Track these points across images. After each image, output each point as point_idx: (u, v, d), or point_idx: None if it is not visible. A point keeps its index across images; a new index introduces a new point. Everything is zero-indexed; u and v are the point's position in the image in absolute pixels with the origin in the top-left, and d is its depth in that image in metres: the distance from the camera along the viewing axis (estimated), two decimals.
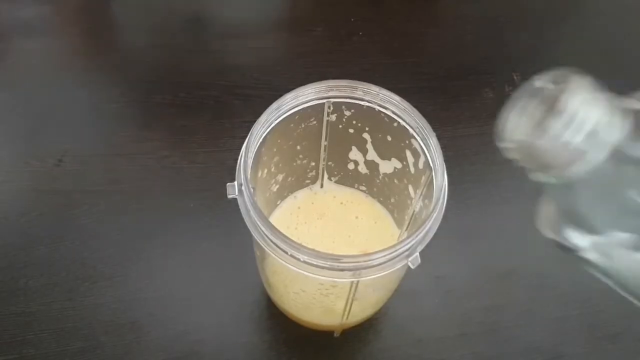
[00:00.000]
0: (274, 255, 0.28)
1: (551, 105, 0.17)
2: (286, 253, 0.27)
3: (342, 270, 0.27)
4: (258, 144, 0.31)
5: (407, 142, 0.33)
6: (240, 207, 0.28)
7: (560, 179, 0.18)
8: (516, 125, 0.18)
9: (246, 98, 0.50)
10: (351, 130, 0.35)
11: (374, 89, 0.32)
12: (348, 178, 0.39)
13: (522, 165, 0.19)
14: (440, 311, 0.40)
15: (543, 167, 0.18)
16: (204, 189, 0.44)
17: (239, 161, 0.29)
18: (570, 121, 0.17)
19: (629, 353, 0.40)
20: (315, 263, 0.27)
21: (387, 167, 0.37)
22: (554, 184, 0.19)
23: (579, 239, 0.19)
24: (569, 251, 0.20)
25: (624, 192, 0.18)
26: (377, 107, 0.32)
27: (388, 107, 0.32)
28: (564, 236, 0.20)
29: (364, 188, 0.40)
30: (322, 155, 0.38)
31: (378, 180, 0.38)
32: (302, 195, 0.40)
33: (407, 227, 0.37)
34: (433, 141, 0.30)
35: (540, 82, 0.18)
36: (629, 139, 0.17)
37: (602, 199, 0.18)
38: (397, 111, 0.32)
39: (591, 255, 0.19)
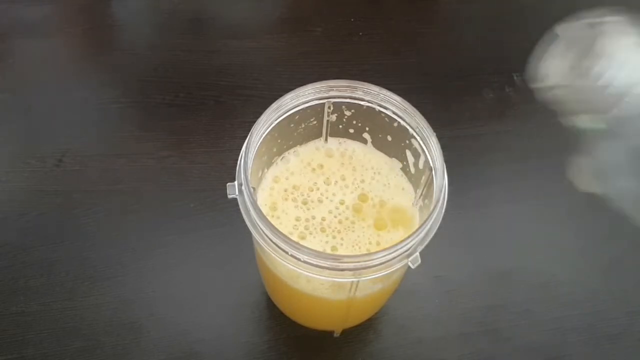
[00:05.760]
0: (274, 255, 0.28)
1: (589, 49, 0.18)
2: (286, 253, 0.27)
3: (342, 270, 0.27)
4: (258, 144, 0.31)
5: (407, 142, 0.33)
6: (240, 207, 0.28)
7: (603, 123, 0.18)
8: (556, 67, 0.19)
9: (246, 98, 0.50)
10: (351, 130, 0.35)
11: (374, 89, 0.32)
12: None
13: (563, 108, 0.19)
14: (440, 311, 0.40)
15: (584, 110, 0.19)
16: (204, 189, 0.44)
17: (239, 161, 0.29)
18: (608, 64, 0.17)
19: (629, 353, 0.40)
20: (315, 263, 0.27)
21: None
22: (596, 130, 0.19)
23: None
24: (609, 200, 0.20)
25: None
26: (377, 107, 0.33)
27: (388, 107, 0.32)
28: (602, 187, 0.20)
29: None
30: None
31: None
32: None
33: None
34: (433, 141, 0.30)
35: (577, 26, 0.19)
36: None
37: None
38: (397, 111, 0.32)
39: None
